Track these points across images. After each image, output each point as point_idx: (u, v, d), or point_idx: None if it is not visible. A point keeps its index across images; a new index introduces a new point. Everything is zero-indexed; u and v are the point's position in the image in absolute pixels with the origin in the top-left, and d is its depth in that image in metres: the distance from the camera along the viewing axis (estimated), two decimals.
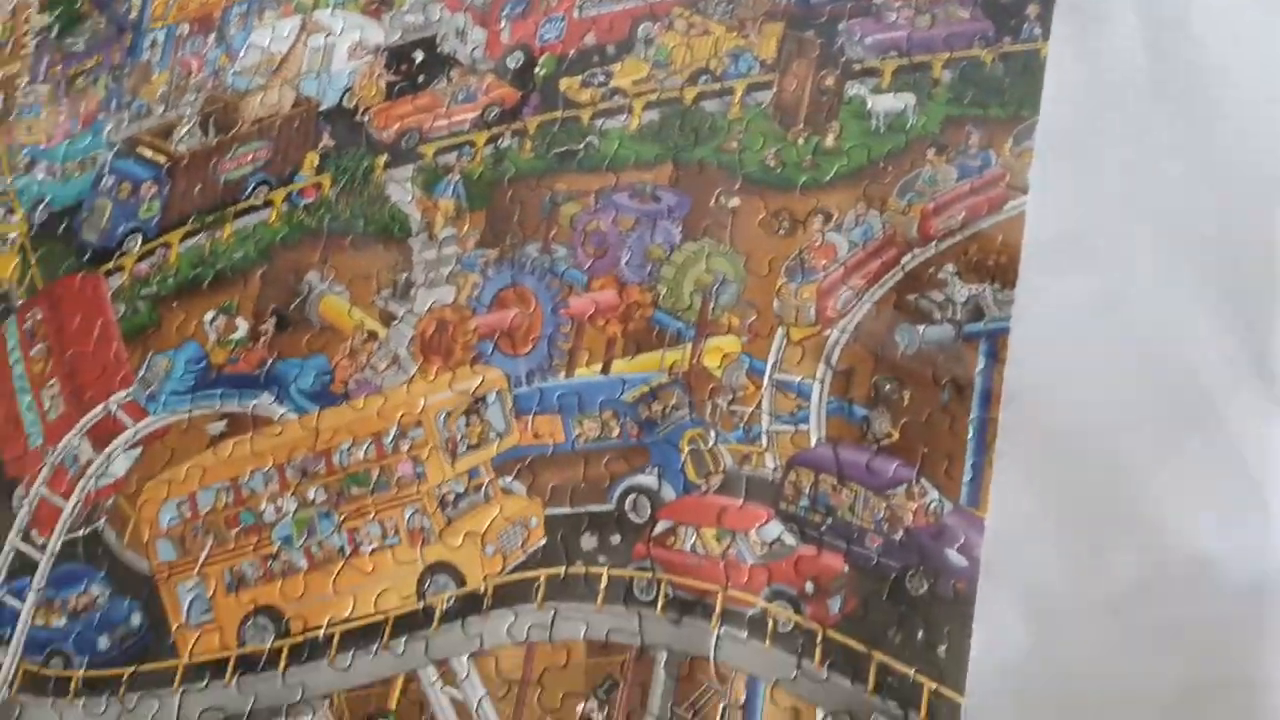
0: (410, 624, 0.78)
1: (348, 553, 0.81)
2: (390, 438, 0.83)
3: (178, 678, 0.80)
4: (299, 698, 0.77)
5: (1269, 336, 0.73)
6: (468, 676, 0.75)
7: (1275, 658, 0.65)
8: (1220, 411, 0.71)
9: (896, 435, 0.76)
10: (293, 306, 0.91)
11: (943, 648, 0.69)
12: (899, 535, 0.73)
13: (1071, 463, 0.72)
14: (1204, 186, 0.77)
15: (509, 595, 0.77)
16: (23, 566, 0.88)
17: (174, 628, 0.82)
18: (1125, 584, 0.69)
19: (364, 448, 0.83)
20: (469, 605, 0.77)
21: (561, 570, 0.77)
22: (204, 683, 0.79)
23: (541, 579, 0.77)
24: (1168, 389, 0.73)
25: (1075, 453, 0.73)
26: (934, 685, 0.69)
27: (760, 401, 0.79)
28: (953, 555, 0.72)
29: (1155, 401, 0.73)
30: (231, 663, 0.79)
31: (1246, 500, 0.69)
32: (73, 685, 0.82)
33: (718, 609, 0.74)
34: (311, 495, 0.83)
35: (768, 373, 0.80)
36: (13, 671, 0.84)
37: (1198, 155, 0.77)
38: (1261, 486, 0.69)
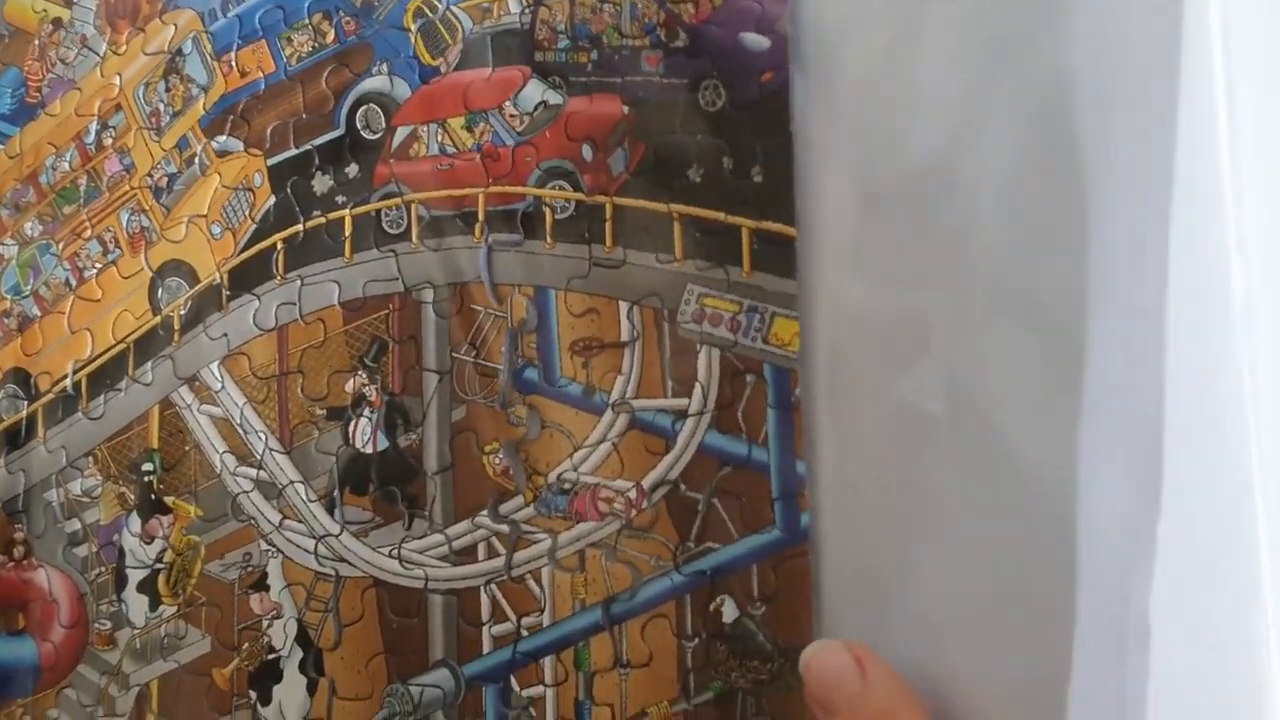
0: (152, 345, 0.62)
1: (74, 284, 0.65)
2: (91, 135, 0.66)
3: None
4: (64, 463, 0.64)
5: None
6: (223, 387, 0.60)
7: None
8: None
9: None
10: None
11: (756, 169, 0.48)
12: (681, 40, 0.51)
13: None
14: None
15: (248, 277, 0.60)
16: None
17: None
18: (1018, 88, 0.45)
19: (67, 157, 0.66)
20: (208, 303, 0.61)
21: (299, 228, 0.59)
22: None
23: (279, 246, 0.59)
24: None
25: None
26: (755, 224, 0.48)
27: None
28: (751, 39, 0.49)
29: None
30: None
31: None
32: None
33: (480, 215, 0.55)
34: (29, 231, 0.67)
35: None
36: None
37: None
38: None
